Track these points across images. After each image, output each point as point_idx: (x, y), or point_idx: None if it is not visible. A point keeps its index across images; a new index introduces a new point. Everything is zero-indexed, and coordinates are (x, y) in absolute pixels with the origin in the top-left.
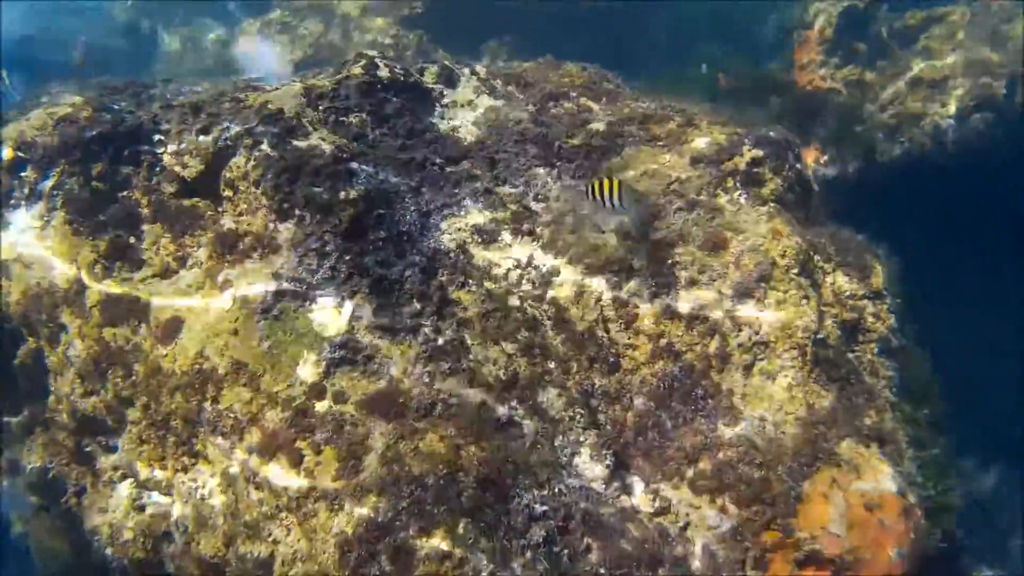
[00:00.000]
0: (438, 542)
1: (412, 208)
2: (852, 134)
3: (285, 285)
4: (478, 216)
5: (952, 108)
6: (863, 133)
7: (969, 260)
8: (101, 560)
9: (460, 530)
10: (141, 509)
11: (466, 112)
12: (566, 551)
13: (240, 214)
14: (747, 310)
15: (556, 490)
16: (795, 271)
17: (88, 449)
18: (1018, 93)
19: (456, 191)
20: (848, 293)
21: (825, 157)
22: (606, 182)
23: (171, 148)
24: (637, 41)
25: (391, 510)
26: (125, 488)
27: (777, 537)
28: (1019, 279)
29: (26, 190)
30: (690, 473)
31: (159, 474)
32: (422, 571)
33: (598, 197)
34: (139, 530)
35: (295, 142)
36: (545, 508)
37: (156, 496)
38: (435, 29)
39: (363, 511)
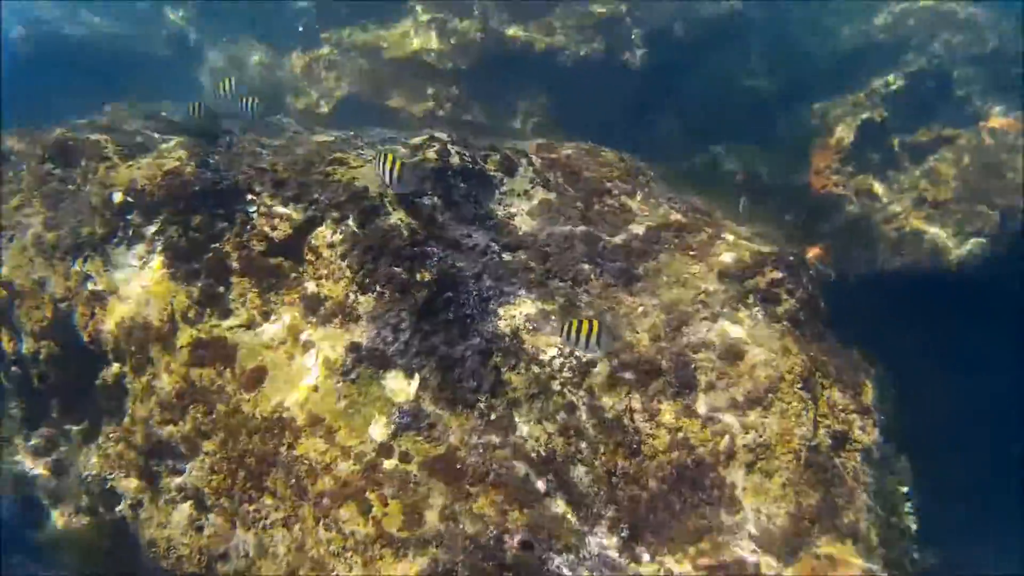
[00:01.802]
0: None
1: (474, 293)
2: (858, 243)
3: (363, 353)
4: (530, 306)
5: (951, 230)
6: (868, 243)
7: (955, 366)
8: (148, 569)
9: None
10: (199, 530)
11: (522, 201)
12: None
13: (321, 278)
14: (755, 417)
15: (580, 555)
16: (799, 386)
17: (156, 469)
18: (1011, 223)
19: (513, 280)
20: (841, 407)
21: (829, 258)
22: (584, 324)
23: (262, 209)
24: (660, 113)
25: (448, 562)
26: (186, 508)
27: None
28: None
29: (130, 232)
30: (692, 551)
31: (224, 502)
32: None
33: (573, 336)
34: (195, 548)
35: (377, 221)
36: (570, 572)
37: (216, 519)
38: (472, 83)
39: (424, 560)
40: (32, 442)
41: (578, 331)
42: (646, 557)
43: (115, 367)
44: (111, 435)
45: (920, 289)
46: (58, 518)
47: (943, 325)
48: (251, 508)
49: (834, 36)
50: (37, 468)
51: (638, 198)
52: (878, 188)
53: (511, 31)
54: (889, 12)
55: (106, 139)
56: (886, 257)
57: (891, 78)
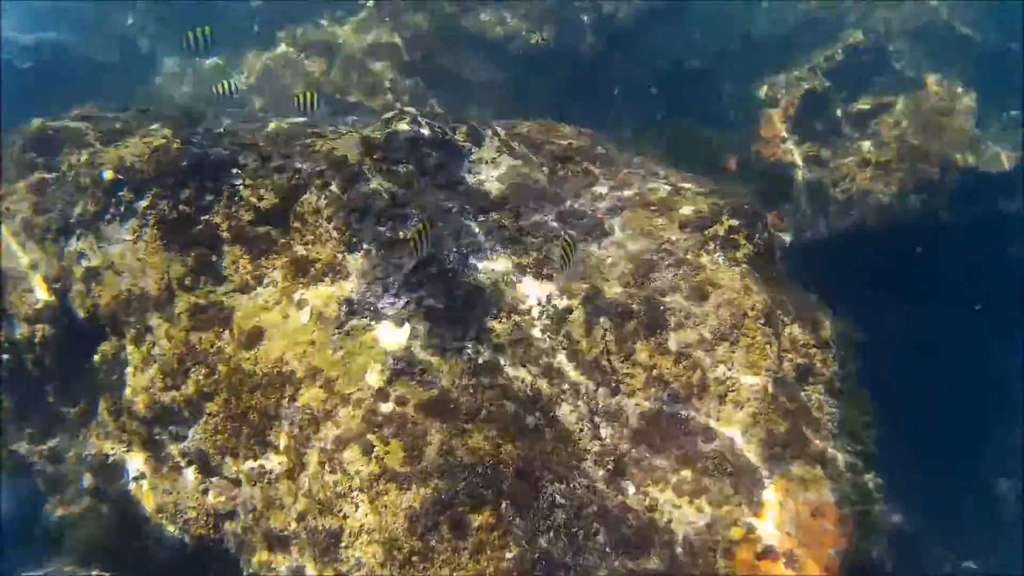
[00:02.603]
0: (487, 517)
1: (454, 250)
2: (808, 206)
3: (355, 306)
4: (506, 260)
5: (895, 188)
6: (818, 206)
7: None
8: (154, 539)
9: (503, 509)
10: (205, 492)
11: (490, 169)
12: (580, 531)
13: (308, 243)
14: (722, 351)
15: (571, 486)
16: (761, 321)
17: (158, 438)
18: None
19: (489, 237)
20: (802, 342)
21: (783, 223)
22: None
23: (248, 181)
24: (604, 92)
25: (450, 490)
26: (191, 473)
27: (742, 533)
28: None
29: (122, 208)
30: (674, 480)
31: (229, 461)
32: (474, 540)
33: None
34: (202, 509)
35: (359, 186)
36: (563, 499)
37: (221, 481)
38: (426, 73)
39: (427, 491)
40: (28, 431)
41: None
42: (631, 489)
43: (113, 340)
44: (111, 409)
45: (869, 245)
46: (57, 505)
47: (892, 278)
48: (256, 464)
49: (774, 15)
50: (34, 456)
51: (598, 164)
52: (825, 153)
53: (464, 20)
54: None
55: (87, 126)
56: (836, 218)
57: (830, 51)
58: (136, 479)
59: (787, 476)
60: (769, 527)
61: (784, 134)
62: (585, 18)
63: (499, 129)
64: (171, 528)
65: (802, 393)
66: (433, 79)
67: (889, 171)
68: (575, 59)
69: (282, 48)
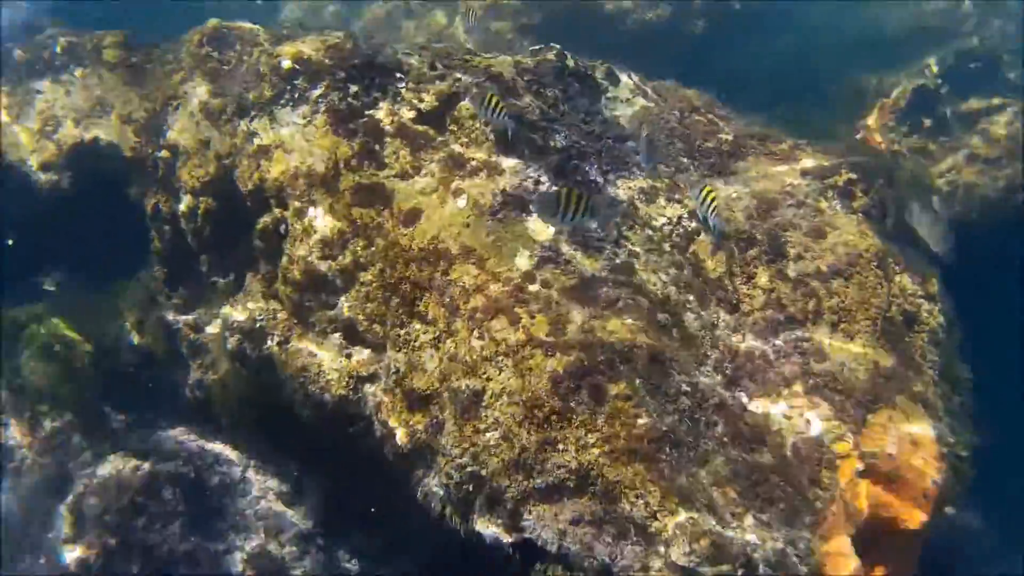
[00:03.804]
0: (622, 388)
1: (596, 166)
2: (910, 196)
3: (508, 197)
4: (642, 182)
5: (1002, 184)
6: (920, 195)
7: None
8: (291, 399)
9: (636, 384)
10: (348, 356)
11: (625, 107)
12: (702, 419)
13: (464, 145)
14: (837, 284)
15: (695, 379)
16: (874, 263)
17: (308, 304)
18: None
19: (626, 160)
20: (910, 291)
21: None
22: (573, 194)
23: (411, 85)
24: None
25: (590, 360)
26: (336, 338)
27: (847, 448)
28: None
29: (296, 95)
30: (786, 392)
31: (376, 327)
32: (610, 406)
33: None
34: (344, 371)
35: (513, 99)
36: (688, 387)
37: (364, 348)
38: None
39: (569, 359)
40: (174, 300)
41: (567, 200)
42: (745, 398)
43: (276, 211)
44: (265, 276)
45: (970, 238)
46: (195, 369)
47: (991, 271)
48: (402, 332)
49: (889, 17)
50: (179, 324)
51: (721, 118)
52: (932, 147)
53: None
54: None
55: (259, 28)
56: (939, 208)
57: (943, 54)
58: (281, 343)
59: (891, 405)
60: (872, 448)
61: (892, 124)
62: (697, 1)
63: (632, 75)
64: (311, 388)
65: (907, 338)
66: (549, 41)
67: (998, 167)
68: (685, 41)
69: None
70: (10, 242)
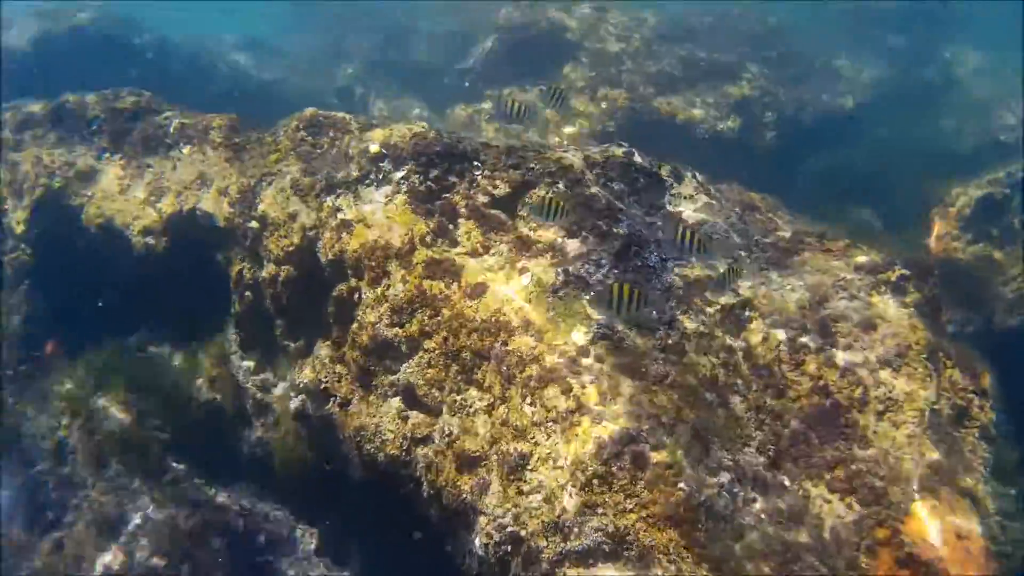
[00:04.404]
0: (664, 456)
1: (655, 254)
2: (975, 303)
3: (570, 277)
4: (699, 271)
5: None
6: (985, 303)
7: None
8: (346, 460)
9: (678, 454)
10: (405, 419)
11: (687, 203)
12: (740, 494)
13: (532, 230)
14: (885, 375)
15: (736, 457)
16: (924, 356)
17: (373, 368)
18: None
19: (685, 249)
20: (960, 386)
21: (947, 315)
22: (626, 288)
23: (486, 172)
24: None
25: (636, 430)
26: (396, 401)
27: (887, 534)
28: None
29: (380, 176)
30: (828, 476)
31: (435, 392)
32: (651, 473)
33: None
34: (400, 433)
35: (580, 188)
36: (729, 463)
37: (423, 411)
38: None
39: (616, 426)
40: (247, 362)
41: (620, 293)
42: (787, 481)
43: (352, 280)
44: (335, 339)
45: None
46: (258, 428)
47: None
48: (459, 397)
49: (956, 134)
50: (248, 384)
51: (781, 218)
52: (997, 255)
53: (656, 101)
54: (1011, 112)
55: (351, 116)
56: (1002, 316)
57: (1014, 166)
58: (342, 405)
59: (936, 496)
60: (914, 537)
61: (957, 232)
62: (769, 115)
63: (697, 174)
64: (367, 447)
65: (956, 433)
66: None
67: None
68: (755, 151)
69: (487, 104)
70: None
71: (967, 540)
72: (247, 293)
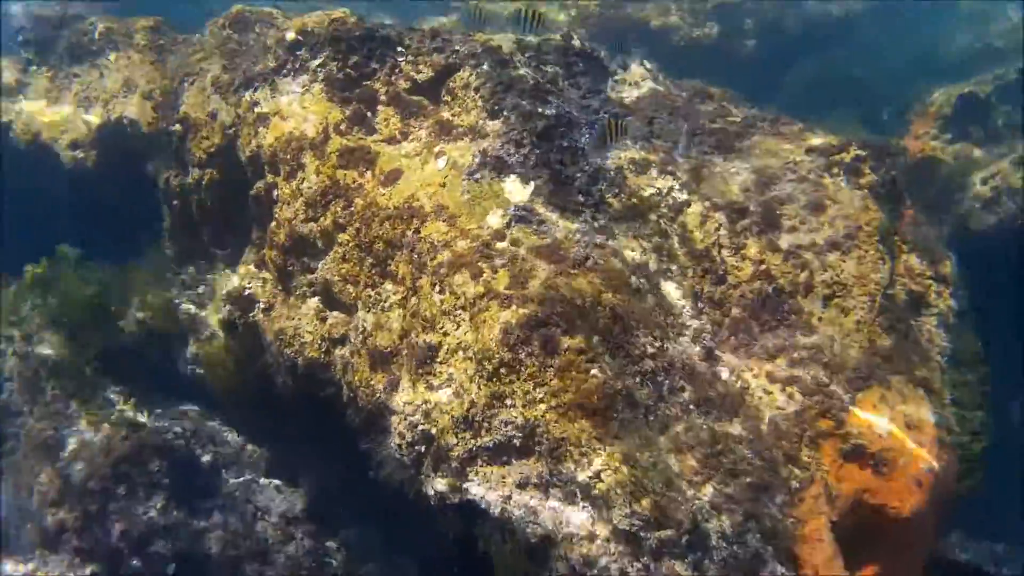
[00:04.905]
0: (578, 342)
1: (586, 136)
2: (951, 202)
3: (487, 159)
4: (634, 153)
5: None
6: (962, 202)
7: None
8: (271, 364)
9: (593, 340)
10: (323, 320)
11: (632, 89)
12: (666, 383)
13: (455, 114)
14: (833, 258)
15: (664, 345)
16: (876, 238)
17: (291, 268)
18: None
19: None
20: (918, 272)
21: (922, 218)
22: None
23: (409, 57)
24: (773, 93)
25: (547, 313)
26: (314, 301)
27: (831, 425)
28: None
29: (297, 64)
30: (768, 367)
31: (350, 288)
32: (562, 359)
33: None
34: (318, 335)
35: (508, 70)
36: (654, 350)
37: (338, 311)
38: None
39: (525, 310)
40: (181, 277)
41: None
42: (725, 373)
43: (268, 177)
44: (257, 241)
45: (1011, 246)
46: (192, 344)
47: None
48: (373, 292)
49: (951, 41)
50: (183, 302)
51: (735, 105)
52: (976, 153)
53: (631, 8)
54: (1007, 19)
55: (278, 10)
56: (980, 216)
57: (1000, 71)
58: (265, 310)
59: (885, 385)
60: (860, 427)
61: (935, 131)
62: (748, 22)
63: (648, 63)
64: (287, 351)
65: (912, 321)
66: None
67: None
68: (733, 60)
69: (453, 18)
70: None
71: (917, 430)
72: (175, 202)
